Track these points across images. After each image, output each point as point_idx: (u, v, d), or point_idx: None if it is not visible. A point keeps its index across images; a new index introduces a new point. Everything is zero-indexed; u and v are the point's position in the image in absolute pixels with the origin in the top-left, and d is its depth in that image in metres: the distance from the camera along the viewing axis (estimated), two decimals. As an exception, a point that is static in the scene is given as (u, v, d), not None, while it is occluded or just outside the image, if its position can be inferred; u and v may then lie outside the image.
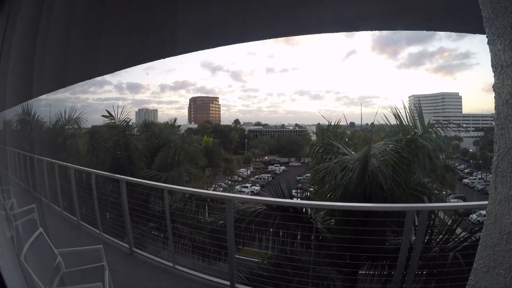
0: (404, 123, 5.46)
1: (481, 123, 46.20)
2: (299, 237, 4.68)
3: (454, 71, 76.31)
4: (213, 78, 79.75)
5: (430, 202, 5.31)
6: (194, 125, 54.09)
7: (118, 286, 3.07)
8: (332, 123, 6.15)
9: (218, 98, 67.76)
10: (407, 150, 4.86)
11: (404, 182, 4.87)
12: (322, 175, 5.11)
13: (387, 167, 4.74)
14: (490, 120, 43.38)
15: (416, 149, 4.89)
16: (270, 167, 42.70)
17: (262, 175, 38.73)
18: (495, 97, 0.86)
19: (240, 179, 37.87)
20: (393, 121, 5.68)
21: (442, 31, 2.83)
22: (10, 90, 3.21)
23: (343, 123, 6.43)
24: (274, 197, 4.91)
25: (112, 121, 9.95)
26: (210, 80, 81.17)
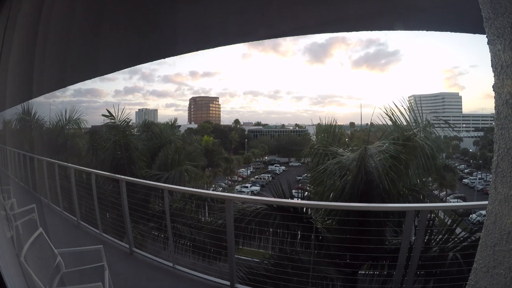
0: (400, 123, 5.46)
1: (481, 123, 46.19)
2: (299, 237, 4.68)
3: (378, 64, 75.73)
4: (155, 83, 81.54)
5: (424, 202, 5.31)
6: (194, 125, 54.10)
7: (118, 286, 3.07)
8: (329, 124, 6.15)
9: (218, 98, 67.91)
10: (403, 150, 4.86)
11: (400, 182, 4.87)
12: (320, 176, 5.11)
13: (383, 167, 4.74)
14: (490, 120, 43.37)
15: (413, 148, 4.89)
16: (270, 167, 42.68)
17: (262, 175, 38.72)
18: (495, 97, 0.86)
19: (240, 179, 37.86)
20: (390, 121, 5.68)
21: (442, 31, 2.83)
22: (10, 90, 3.21)
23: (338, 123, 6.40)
24: (274, 197, 4.92)
25: (112, 121, 9.95)
26: (154, 85, 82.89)
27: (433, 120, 5.50)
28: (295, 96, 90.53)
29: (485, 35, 0.86)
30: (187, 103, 68.32)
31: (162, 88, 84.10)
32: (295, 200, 5.89)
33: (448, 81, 73.49)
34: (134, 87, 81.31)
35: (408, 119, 5.52)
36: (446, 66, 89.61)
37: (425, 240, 3.81)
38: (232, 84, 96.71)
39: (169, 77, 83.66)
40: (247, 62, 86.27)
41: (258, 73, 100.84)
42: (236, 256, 3.39)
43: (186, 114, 67.54)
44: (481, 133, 43.46)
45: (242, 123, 57.36)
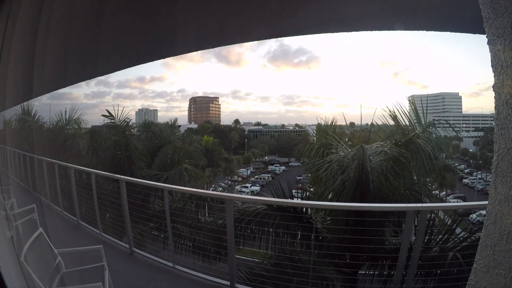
0: (402, 124, 5.47)
1: (481, 123, 46.16)
2: (299, 237, 4.67)
3: (299, 62, 74.45)
4: (114, 88, 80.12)
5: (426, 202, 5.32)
6: (194, 125, 54.08)
7: (118, 286, 3.07)
8: (328, 124, 6.17)
9: (218, 98, 67.84)
10: (404, 151, 4.86)
11: (399, 182, 4.88)
12: (317, 170, 5.12)
13: (382, 168, 4.74)
14: (490, 120, 43.33)
15: (414, 149, 4.90)
16: (270, 167, 42.65)
17: (262, 175, 38.70)
18: (495, 97, 0.85)
19: (240, 179, 37.84)
20: (390, 121, 5.71)
21: (442, 31, 2.83)
22: (10, 90, 3.21)
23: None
24: (274, 197, 4.91)
25: (112, 121, 9.95)
26: (117, 90, 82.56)
27: (434, 120, 5.51)
28: (260, 96, 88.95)
29: (485, 35, 0.86)
30: (162, 105, 68.75)
31: (127, 91, 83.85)
32: (295, 200, 5.89)
33: (398, 76, 71.70)
34: (103, 92, 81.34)
35: (409, 120, 5.53)
36: (382, 60, 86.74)
37: (425, 240, 3.81)
38: (188, 87, 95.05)
39: (122, 82, 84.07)
40: (173, 69, 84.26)
41: (199, 77, 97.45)
42: (236, 256, 3.39)
43: (168, 114, 68.11)
44: (481, 133, 43.41)
45: (242, 123, 57.35)
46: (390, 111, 5.63)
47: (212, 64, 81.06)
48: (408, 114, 5.61)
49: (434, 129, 5.39)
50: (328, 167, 4.97)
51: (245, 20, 2.78)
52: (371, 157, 4.74)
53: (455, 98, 51.29)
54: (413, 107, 5.63)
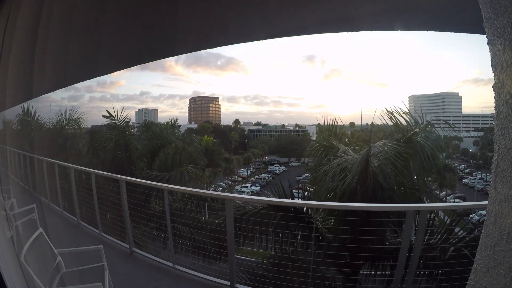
0: (401, 124, 5.48)
1: (481, 123, 46.12)
2: (299, 237, 4.68)
3: (216, 65, 71.73)
4: (84, 92, 79.15)
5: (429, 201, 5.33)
6: (194, 125, 54.04)
7: (118, 286, 3.07)
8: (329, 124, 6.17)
9: (218, 98, 67.75)
10: (405, 150, 4.86)
11: (403, 182, 4.87)
12: (322, 177, 5.12)
13: (387, 167, 4.73)
14: (490, 120, 43.28)
15: (414, 148, 4.90)
16: (270, 167, 42.63)
17: (262, 175, 38.69)
18: (495, 97, 0.85)
19: (240, 179, 37.83)
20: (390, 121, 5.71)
21: (442, 31, 2.83)
22: (10, 90, 3.21)
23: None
24: (275, 197, 4.92)
25: (112, 121, 9.96)
26: (88, 94, 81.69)
27: (433, 120, 5.53)
28: (226, 97, 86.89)
29: (485, 35, 0.86)
30: (140, 106, 68.57)
31: (98, 95, 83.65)
32: (295, 200, 5.89)
33: (335, 73, 67.59)
34: (77, 95, 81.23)
35: (409, 120, 5.54)
36: (302, 57, 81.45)
37: (425, 240, 3.81)
38: (151, 90, 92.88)
39: (87, 87, 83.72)
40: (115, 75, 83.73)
41: (158, 81, 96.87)
42: (236, 256, 3.39)
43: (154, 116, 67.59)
44: (481, 133, 43.37)
45: (242, 123, 57.29)
46: (388, 112, 5.64)
47: (135, 72, 77.19)
48: (408, 114, 5.62)
49: (433, 128, 5.40)
50: (334, 170, 4.94)
51: (245, 20, 2.79)
52: (377, 156, 4.74)
53: (455, 98, 51.24)
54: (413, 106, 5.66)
